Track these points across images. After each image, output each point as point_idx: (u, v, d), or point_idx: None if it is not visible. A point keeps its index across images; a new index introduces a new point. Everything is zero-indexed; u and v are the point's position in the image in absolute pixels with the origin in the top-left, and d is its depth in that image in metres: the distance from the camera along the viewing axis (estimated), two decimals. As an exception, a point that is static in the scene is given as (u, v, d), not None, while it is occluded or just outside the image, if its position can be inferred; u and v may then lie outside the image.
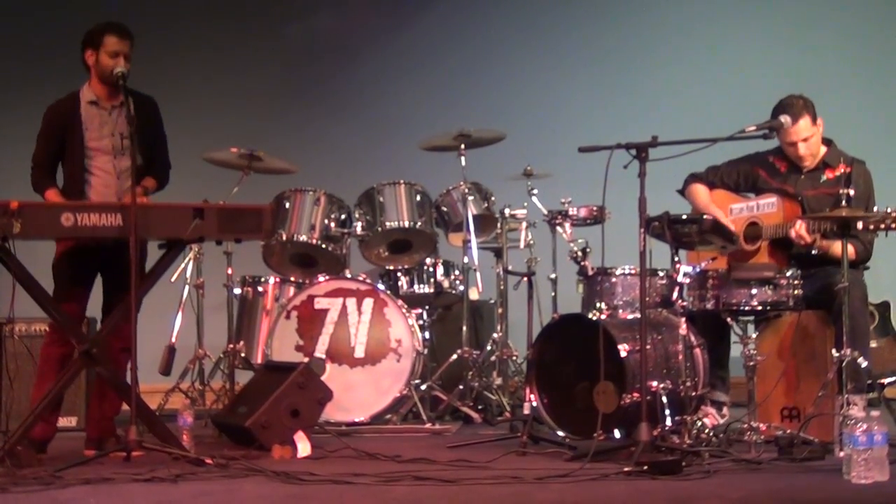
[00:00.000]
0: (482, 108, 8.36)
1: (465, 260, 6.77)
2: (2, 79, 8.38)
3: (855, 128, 7.02)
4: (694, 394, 5.36)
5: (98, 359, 5.20)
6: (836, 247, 5.43)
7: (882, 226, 5.18)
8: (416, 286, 6.87)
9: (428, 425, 6.33)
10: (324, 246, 6.70)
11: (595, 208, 5.82)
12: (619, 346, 5.27)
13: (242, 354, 6.75)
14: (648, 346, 5.14)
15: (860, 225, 5.27)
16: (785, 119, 5.62)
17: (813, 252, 5.58)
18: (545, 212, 6.11)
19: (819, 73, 7.82)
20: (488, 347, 7.08)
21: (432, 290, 6.87)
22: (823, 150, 5.85)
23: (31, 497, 4.31)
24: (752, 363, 5.27)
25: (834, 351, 5.29)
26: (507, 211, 6.82)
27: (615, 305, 5.59)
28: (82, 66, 5.50)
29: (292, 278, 6.84)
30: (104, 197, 5.43)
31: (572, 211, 5.86)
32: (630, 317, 5.52)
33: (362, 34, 8.80)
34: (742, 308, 5.27)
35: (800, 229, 5.55)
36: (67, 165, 5.48)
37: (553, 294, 6.67)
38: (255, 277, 6.90)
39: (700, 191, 5.98)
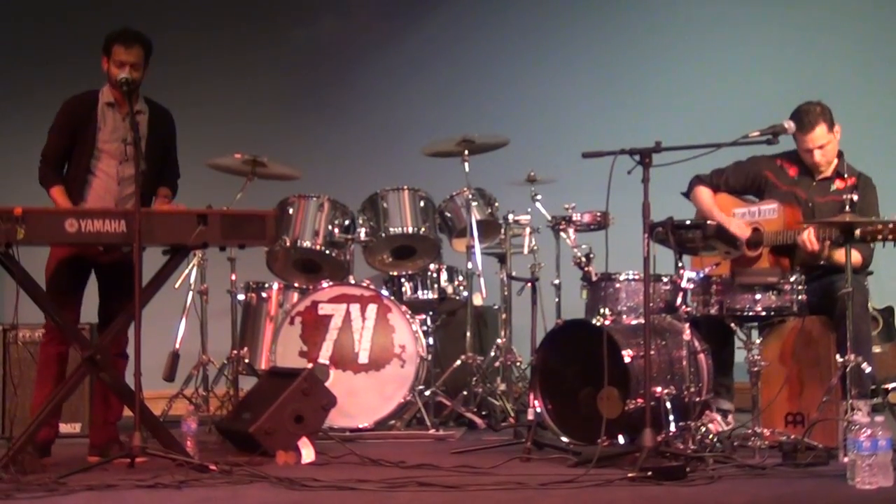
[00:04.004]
0: (486, 113, 8.36)
1: (469, 266, 6.77)
2: (6, 85, 8.39)
3: (862, 134, 7.00)
4: (698, 399, 5.36)
5: (101, 365, 5.21)
6: (843, 256, 5.40)
7: (879, 237, 5.15)
8: (419, 292, 6.87)
9: (432, 431, 6.32)
10: (327, 252, 6.71)
11: (599, 214, 5.82)
12: (623, 352, 5.27)
13: (246, 360, 6.75)
14: (652, 352, 5.14)
15: (858, 233, 5.25)
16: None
17: (822, 262, 5.56)
18: (549, 217, 6.11)
19: (825, 79, 7.79)
20: (492, 353, 7.08)
21: (436, 296, 6.87)
22: (835, 161, 5.85)
23: (35, 503, 4.32)
24: (755, 369, 5.28)
25: (837, 356, 5.29)
26: (510, 216, 6.83)
27: (619, 311, 5.59)
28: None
29: (296, 284, 6.84)
30: (102, 201, 5.43)
31: (576, 216, 5.87)
32: (634, 322, 5.52)
33: (366, 40, 8.81)
34: (746, 313, 5.28)
35: (809, 235, 5.54)
36: (73, 162, 5.46)
37: (557, 300, 6.68)
38: (258, 283, 6.90)
39: (704, 194, 5.97)
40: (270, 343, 6.53)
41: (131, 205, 5.23)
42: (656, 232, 5.19)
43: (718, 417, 5.60)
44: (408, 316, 6.45)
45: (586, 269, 5.69)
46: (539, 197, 6.88)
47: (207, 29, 8.68)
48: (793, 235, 5.62)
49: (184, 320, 6.91)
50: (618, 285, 5.62)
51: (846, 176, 5.77)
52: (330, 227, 6.71)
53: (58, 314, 5.27)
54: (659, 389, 5.21)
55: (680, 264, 5.36)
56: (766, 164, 5.95)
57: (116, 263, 5.36)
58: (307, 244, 6.68)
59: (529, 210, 6.84)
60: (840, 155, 5.86)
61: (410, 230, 6.74)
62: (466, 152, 6.86)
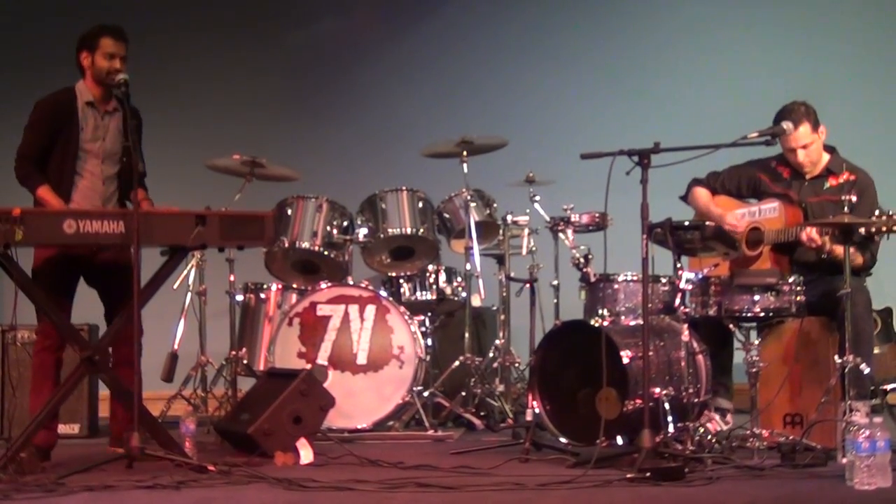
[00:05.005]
0: (484, 114, 8.36)
1: (468, 267, 6.77)
2: (5, 85, 8.37)
3: (858, 133, 7.01)
4: (696, 400, 5.36)
5: (100, 366, 5.20)
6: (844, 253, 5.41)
7: (884, 228, 5.19)
8: (418, 293, 6.87)
9: (430, 432, 6.32)
10: (326, 253, 6.71)
11: (597, 215, 5.82)
12: (622, 353, 5.27)
13: (245, 361, 6.75)
14: (651, 353, 5.14)
15: (862, 231, 5.27)
16: (787, 125, 5.62)
17: (823, 256, 5.58)
18: (547, 218, 6.11)
19: (822, 79, 7.82)
20: (490, 354, 7.08)
21: (434, 297, 6.87)
22: (826, 157, 5.86)
23: (33, 504, 4.34)
24: (754, 370, 5.28)
25: (836, 357, 5.30)
26: (509, 217, 6.83)
27: (617, 312, 5.59)
28: (79, 71, 5.50)
29: (294, 285, 6.83)
30: (89, 200, 5.43)
31: (574, 217, 5.87)
32: (632, 323, 5.52)
33: (364, 41, 8.81)
34: (744, 314, 5.27)
35: (811, 232, 5.55)
36: (55, 163, 5.42)
37: (555, 301, 6.67)
38: (257, 284, 6.90)
39: (702, 194, 5.99)
40: (269, 344, 6.53)
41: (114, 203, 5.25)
42: (655, 233, 5.19)
43: (717, 417, 5.62)
44: (406, 317, 6.45)
45: (585, 269, 5.69)
46: (537, 198, 6.87)
47: (206, 30, 8.68)
48: (794, 233, 5.63)
49: (182, 321, 6.90)
50: (616, 286, 5.62)
51: (841, 171, 5.78)
52: (328, 228, 6.71)
53: (60, 314, 5.25)
54: (657, 390, 5.21)
55: (678, 265, 5.35)
56: (761, 167, 5.97)
57: (111, 264, 5.35)
58: (306, 245, 6.68)
59: (528, 211, 6.84)
60: (832, 150, 5.87)
61: (409, 231, 6.74)
62: (465, 153, 6.86)
